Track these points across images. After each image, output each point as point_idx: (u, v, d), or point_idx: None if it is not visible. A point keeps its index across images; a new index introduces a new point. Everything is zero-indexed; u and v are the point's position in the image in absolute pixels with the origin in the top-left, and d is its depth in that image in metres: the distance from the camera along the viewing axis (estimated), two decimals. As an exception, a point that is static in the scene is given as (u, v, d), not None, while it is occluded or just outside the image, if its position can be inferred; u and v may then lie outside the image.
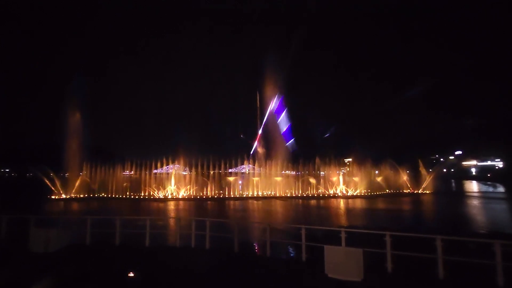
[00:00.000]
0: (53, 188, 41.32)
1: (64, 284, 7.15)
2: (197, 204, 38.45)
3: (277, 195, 46.78)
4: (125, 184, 45.34)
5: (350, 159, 59.24)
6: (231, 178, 51.23)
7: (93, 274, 7.84)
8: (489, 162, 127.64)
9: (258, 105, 57.76)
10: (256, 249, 10.27)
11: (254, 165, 56.21)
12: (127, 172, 49.88)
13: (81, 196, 41.82)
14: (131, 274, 7.44)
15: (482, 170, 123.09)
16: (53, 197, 40.09)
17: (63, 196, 40.85)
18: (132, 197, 43.19)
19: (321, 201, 41.97)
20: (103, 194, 43.29)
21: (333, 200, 42.92)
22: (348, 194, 48.90)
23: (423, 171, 58.19)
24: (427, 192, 53.21)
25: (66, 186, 42.20)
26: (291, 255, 9.39)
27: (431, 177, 56.53)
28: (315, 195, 47.58)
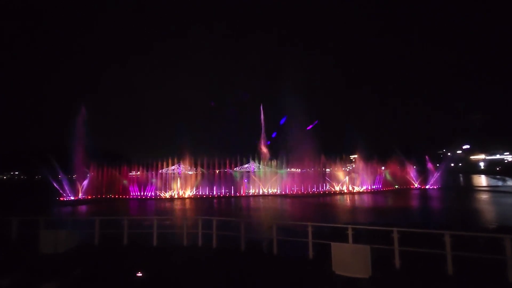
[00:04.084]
0: (61, 190, 41.86)
1: (73, 284, 7.25)
2: (203, 203, 38.65)
3: (283, 192, 46.76)
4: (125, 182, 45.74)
5: (356, 155, 58.86)
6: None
7: (102, 274, 7.94)
8: (497, 156, 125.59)
9: (262, 120, 57.25)
10: (262, 247, 10.27)
11: (259, 164, 56.23)
12: (134, 173, 50.37)
13: (89, 197, 42.33)
14: (140, 274, 7.52)
15: (490, 164, 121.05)
16: (61, 198, 40.63)
17: (71, 197, 41.38)
18: (139, 197, 43.61)
19: (328, 198, 41.84)
20: (110, 195, 43.76)
21: (340, 197, 42.76)
22: (355, 190, 48.67)
23: (430, 166, 57.62)
24: (435, 187, 52.67)
25: (74, 188, 42.73)
26: (298, 252, 9.37)
27: (438, 172, 55.96)
28: (321, 192, 47.40)
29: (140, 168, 51.88)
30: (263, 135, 56.65)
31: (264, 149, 54.55)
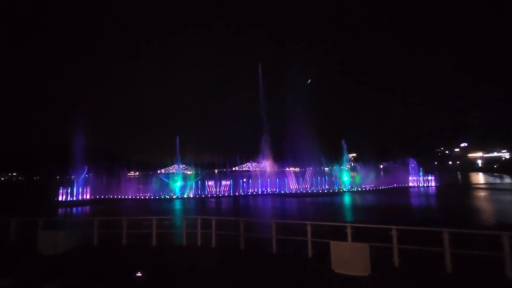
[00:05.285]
0: (59, 191, 41.67)
1: (73, 285, 7.24)
2: (202, 202, 38.64)
3: (282, 192, 46.75)
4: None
5: (355, 154, 59.05)
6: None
7: (101, 275, 7.93)
8: (495, 154, 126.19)
9: (260, 82, 53.82)
10: (262, 246, 10.28)
11: (258, 163, 56.27)
12: (132, 173, 50.35)
13: (88, 198, 42.19)
14: (139, 274, 7.52)
15: (488, 162, 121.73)
16: (60, 199, 40.45)
17: (70, 198, 41.22)
18: (138, 197, 43.53)
19: (327, 197, 41.85)
20: (109, 195, 43.65)
21: (339, 196, 42.77)
22: (354, 189, 48.73)
23: (428, 164, 57.84)
24: (433, 185, 52.84)
25: (73, 189, 42.58)
26: (297, 251, 9.40)
27: (437, 170, 56.19)
28: (320, 191, 47.38)
29: (140, 168, 51.87)
30: (262, 102, 54.90)
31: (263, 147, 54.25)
